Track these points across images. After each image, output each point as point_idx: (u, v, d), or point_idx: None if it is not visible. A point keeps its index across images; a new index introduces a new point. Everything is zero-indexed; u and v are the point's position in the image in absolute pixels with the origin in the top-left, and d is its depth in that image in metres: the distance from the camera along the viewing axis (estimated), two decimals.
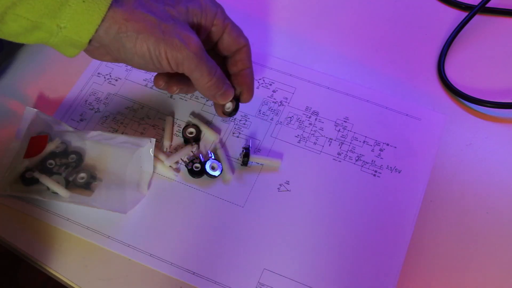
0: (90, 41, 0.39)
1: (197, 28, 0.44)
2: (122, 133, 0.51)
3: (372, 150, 0.50)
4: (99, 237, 0.45)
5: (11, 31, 0.38)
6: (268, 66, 0.55)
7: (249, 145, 0.50)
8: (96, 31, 0.39)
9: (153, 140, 0.47)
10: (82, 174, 0.47)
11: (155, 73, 0.46)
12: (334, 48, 0.58)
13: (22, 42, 0.40)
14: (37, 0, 0.36)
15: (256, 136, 0.51)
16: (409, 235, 0.46)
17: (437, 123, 0.52)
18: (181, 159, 0.49)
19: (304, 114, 0.52)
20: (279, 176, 0.49)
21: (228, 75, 0.48)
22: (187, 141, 0.50)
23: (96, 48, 0.42)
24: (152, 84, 0.53)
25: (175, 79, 0.46)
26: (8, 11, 0.37)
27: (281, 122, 0.52)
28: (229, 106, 0.48)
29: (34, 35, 0.39)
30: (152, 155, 0.47)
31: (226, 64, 0.48)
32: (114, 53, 0.42)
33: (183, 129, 0.50)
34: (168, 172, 0.49)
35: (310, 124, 0.52)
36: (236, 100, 0.48)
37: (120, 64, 0.55)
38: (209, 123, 0.52)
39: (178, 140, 0.51)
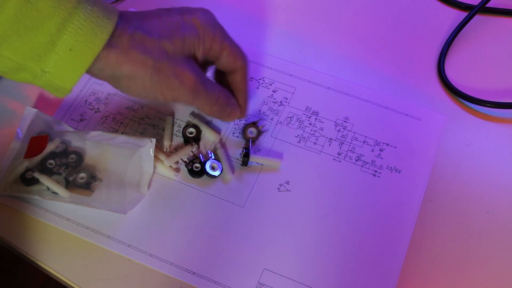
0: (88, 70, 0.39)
1: (195, 55, 0.43)
2: (122, 133, 0.51)
3: (372, 150, 0.50)
4: (99, 237, 0.45)
5: None
6: (268, 66, 0.55)
7: (249, 145, 0.49)
8: (90, 69, 0.38)
9: (153, 140, 0.47)
10: (82, 174, 0.47)
11: None
12: (334, 48, 0.58)
13: (8, 78, 0.39)
14: (23, 43, 0.36)
15: None
16: (409, 235, 0.46)
17: (437, 123, 0.52)
18: (181, 159, 0.49)
19: (304, 114, 0.52)
20: (279, 176, 0.49)
21: None
22: (187, 141, 0.50)
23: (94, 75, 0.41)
24: None
25: None
26: None
27: (281, 122, 0.52)
28: (252, 130, 0.50)
29: (19, 75, 0.38)
30: (152, 155, 0.47)
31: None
32: (112, 84, 0.41)
33: (183, 129, 0.50)
34: (168, 172, 0.49)
35: (310, 124, 0.52)
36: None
37: None
38: (209, 123, 0.52)
39: (178, 140, 0.51)
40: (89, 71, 0.39)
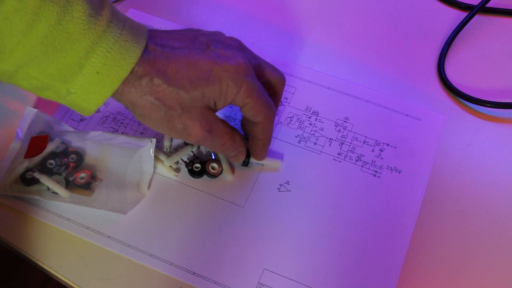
0: None
1: (216, 103, 0.41)
2: (122, 133, 0.51)
3: (372, 150, 0.50)
4: (99, 237, 0.45)
5: (21, 87, 0.38)
6: None
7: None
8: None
9: (154, 140, 0.47)
10: (82, 174, 0.47)
11: None
12: (334, 48, 0.58)
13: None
14: (51, 64, 0.35)
15: None
16: (409, 235, 0.46)
17: (437, 123, 0.52)
18: (181, 159, 0.49)
19: (304, 114, 0.52)
20: (279, 176, 0.49)
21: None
22: None
23: None
24: None
25: None
26: (19, 70, 0.35)
27: (281, 122, 0.52)
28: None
29: (44, 93, 0.38)
30: (153, 155, 0.47)
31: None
32: None
33: None
34: (168, 172, 0.49)
35: (310, 124, 0.52)
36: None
37: None
38: None
39: (178, 140, 0.51)
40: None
